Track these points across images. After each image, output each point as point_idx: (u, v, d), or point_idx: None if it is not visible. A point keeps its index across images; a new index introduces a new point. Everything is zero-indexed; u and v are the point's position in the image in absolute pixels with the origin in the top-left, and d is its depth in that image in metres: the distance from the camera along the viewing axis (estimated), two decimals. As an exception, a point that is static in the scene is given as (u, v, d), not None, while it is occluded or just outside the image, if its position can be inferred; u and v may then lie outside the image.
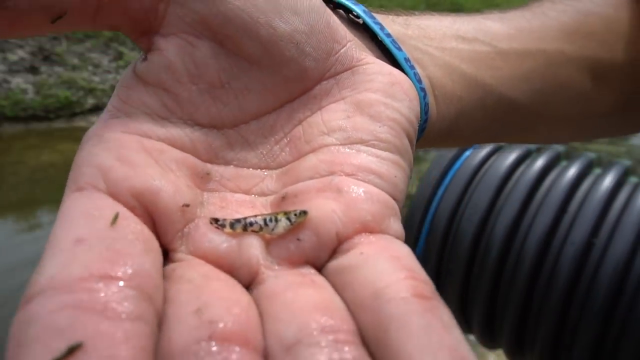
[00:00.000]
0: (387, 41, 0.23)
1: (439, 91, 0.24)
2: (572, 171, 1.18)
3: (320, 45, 0.20)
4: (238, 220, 0.16)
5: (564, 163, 1.25)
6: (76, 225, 0.14)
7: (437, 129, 0.24)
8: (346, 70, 0.21)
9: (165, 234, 0.15)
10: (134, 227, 0.14)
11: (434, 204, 1.02)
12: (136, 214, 0.15)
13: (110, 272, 0.13)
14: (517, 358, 1.16)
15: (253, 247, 0.16)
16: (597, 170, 1.21)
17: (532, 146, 1.35)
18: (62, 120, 4.72)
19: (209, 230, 0.16)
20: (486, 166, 1.01)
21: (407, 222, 1.05)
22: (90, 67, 4.91)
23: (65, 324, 0.12)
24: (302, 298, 0.15)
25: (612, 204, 0.79)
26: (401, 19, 0.26)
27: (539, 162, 1.23)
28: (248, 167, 0.18)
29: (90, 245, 0.14)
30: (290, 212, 0.16)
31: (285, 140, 0.19)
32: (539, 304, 0.78)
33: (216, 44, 0.18)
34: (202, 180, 0.17)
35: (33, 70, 4.62)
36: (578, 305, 0.74)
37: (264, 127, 0.19)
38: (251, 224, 0.15)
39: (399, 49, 0.23)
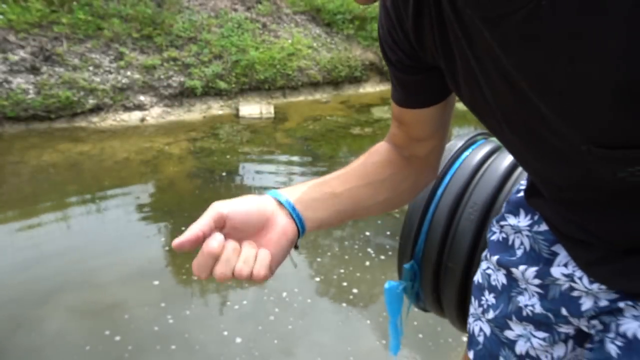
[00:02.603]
0: (290, 209, 0.59)
1: (311, 218, 0.61)
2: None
3: (263, 218, 0.56)
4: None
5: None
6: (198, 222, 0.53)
7: (312, 228, 0.61)
8: (272, 224, 0.57)
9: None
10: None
11: (434, 203, 1.02)
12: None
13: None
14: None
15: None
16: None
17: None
18: (63, 120, 4.73)
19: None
20: (486, 166, 1.01)
21: (407, 222, 1.05)
22: (91, 68, 4.91)
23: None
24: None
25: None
26: (299, 190, 0.62)
27: (539, 162, 1.23)
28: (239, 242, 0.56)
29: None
30: None
31: (247, 242, 0.55)
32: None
33: (237, 229, 0.55)
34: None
35: (34, 70, 4.62)
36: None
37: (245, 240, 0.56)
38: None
39: (294, 209, 0.59)
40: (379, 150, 0.71)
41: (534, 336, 0.67)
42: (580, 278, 0.61)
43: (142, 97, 5.12)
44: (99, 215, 3.19)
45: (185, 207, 3.29)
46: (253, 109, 5.47)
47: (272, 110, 5.50)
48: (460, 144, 1.05)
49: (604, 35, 0.35)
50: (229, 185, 3.74)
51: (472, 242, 1.15)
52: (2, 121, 4.47)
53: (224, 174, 3.90)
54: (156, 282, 2.45)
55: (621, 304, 0.56)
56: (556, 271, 0.64)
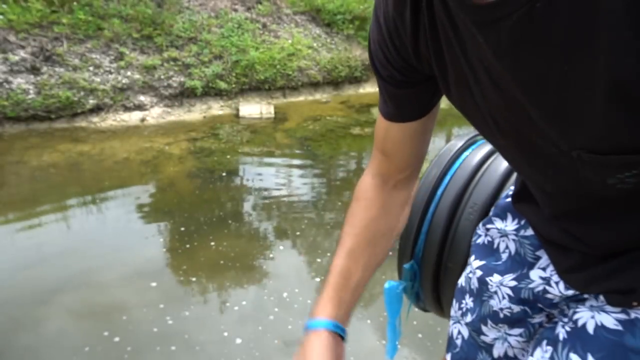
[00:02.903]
0: (343, 335, 0.65)
1: (347, 323, 0.67)
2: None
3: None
4: None
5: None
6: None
7: (344, 323, 0.67)
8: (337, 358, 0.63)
9: None
10: None
11: (434, 203, 1.02)
12: None
13: None
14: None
15: None
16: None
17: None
18: (63, 120, 4.73)
19: None
20: (485, 166, 1.01)
21: (407, 222, 1.05)
22: (91, 68, 4.91)
23: None
24: None
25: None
26: (337, 302, 0.68)
27: (539, 162, 1.23)
28: None
29: None
30: None
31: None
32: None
33: None
34: None
35: (34, 70, 4.62)
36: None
37: None
38: None
39: (344, 332, 0.65)
40: (369, 197, 0.73)
41: (510, 335, 0.69)
42: (557, 283, 0.63)
43: (142, 97, 5.12)
44: (99, 216, 3.19)
45: (185, 207, 3.29)
46: (253, 109, 5.47)
47: (272, 110, 5.50)
48: (460, 144, 1.05)
49: (596, 35, 0.35)
50: (229, 185, 3.74)
51: (472, 242, 1.14)
52: (3, 121, 4.47)
53: (224, 174, 3.90)
54: (155, 283, 2.45)
55: (585, 295, 0.59)
56: (534, 274, 0.66)
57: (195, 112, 5.38)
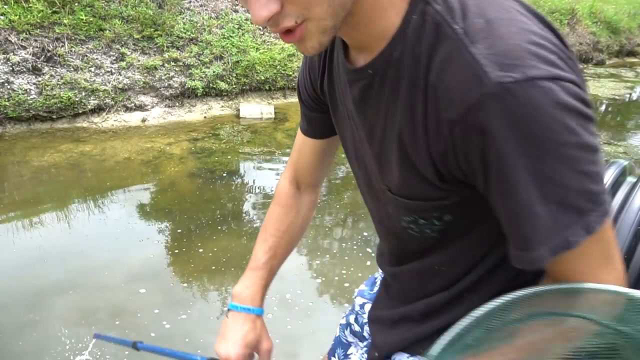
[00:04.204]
0: (262, 315, 0.89)
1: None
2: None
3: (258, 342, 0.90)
4: None
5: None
6: None
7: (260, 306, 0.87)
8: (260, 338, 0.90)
9: None
10: None
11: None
12: None
13: None
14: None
15: None
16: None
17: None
18: (65, 120, 4.74)
19: None
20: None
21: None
22: (92, 68, 4.92)
23: None
24: None
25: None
26: (258, 288, 0.88)
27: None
28: None
29: None
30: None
31: None
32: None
33: None
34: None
35: (35, 71, 4.63)
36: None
37: None
38: None
39: (262, 312, 0.86)
40: (289, 203, 0.89)
41: (358, 345, 0.91)
42: (364, 314, 0.85)
43: (143, 98, 5.12)
44: (100, 216, 3.20)
45: (186, 207, 3.29)
46: (253, 109, 5.48)
47: (272, 110, 5.50)
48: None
49: (396, 111, 0.52)
50: (229, 185, 3.75)
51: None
52: (4, 121, 4.48)
53: (224, 174, 3.90)
54: (155, 285, 2.46)
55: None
56: (367, 307, 0.86)
57: (195, 113, 5.39)
